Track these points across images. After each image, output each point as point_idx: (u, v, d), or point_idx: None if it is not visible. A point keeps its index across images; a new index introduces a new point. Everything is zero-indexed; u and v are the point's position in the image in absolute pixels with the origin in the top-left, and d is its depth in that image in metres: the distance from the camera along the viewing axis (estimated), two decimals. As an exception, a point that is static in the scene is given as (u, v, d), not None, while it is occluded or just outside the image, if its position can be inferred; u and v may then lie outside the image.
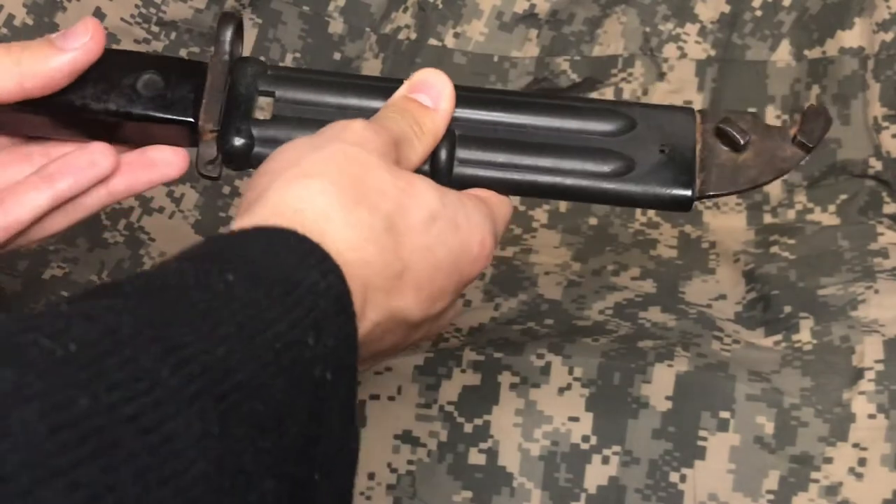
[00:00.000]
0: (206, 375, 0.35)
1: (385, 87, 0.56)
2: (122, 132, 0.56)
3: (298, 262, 0.41)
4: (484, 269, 0.53)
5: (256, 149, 0.55)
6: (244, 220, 0.44)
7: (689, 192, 0.55)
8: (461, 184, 0.53)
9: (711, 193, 0.56)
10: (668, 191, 0.55)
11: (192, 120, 0.55)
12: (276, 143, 0.52)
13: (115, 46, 0.88)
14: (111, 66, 0.55)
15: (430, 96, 0.54)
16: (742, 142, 0.55)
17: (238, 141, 0.55)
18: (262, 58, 0.90)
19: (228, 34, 0.55)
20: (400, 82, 0.55)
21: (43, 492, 0.30)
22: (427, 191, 0.49)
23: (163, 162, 0.56)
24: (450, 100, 0.54)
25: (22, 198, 0.53)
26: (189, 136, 0.56)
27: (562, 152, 0.56)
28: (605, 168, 0.55)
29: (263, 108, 0.56)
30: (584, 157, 0.56)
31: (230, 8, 0.90)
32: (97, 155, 0.54)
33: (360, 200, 0.46)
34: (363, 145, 0.48)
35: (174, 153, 0.56)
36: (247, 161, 0.55)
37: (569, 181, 0.56)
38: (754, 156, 0.56)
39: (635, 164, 0.55)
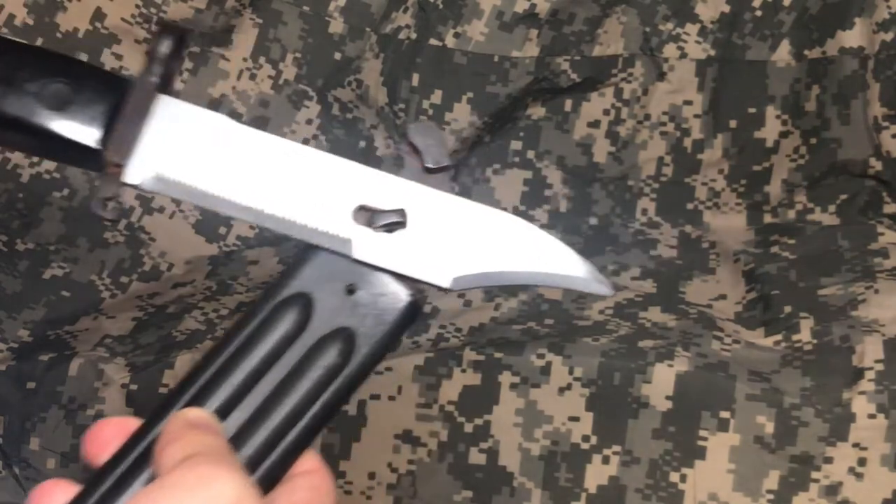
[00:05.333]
0: None
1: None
2: (17, 139, 0.48)
3: None
4: None
5: None
6: None
7: (411, 294, 0.49)
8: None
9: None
10: (395, 305, 0.49)
11: (98, 147, 0.46)
12: None
13: (115, 46, 0.88)
14: (16, 63, 0.47)
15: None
16: (395, 222, 0.49)
17: None
18: (263, 58, 0.91)
19: (164, 49, 0.47)
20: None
21: None
22: None
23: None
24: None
25: None
26: (93, 162, 0.47)
27: (290, 380, 0.48)
28: (333, 357, 0.48)
29: None
30: (310, 362, 0.48)
31: (230, 8, 0.90)
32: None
33: None
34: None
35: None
36: None
37: (326, 396, 0.48)
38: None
39: (350, 327, 0.48)
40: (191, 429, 0.45)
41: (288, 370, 0.48)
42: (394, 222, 0.49)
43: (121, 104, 0.47)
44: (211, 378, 0.48)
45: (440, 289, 0.49)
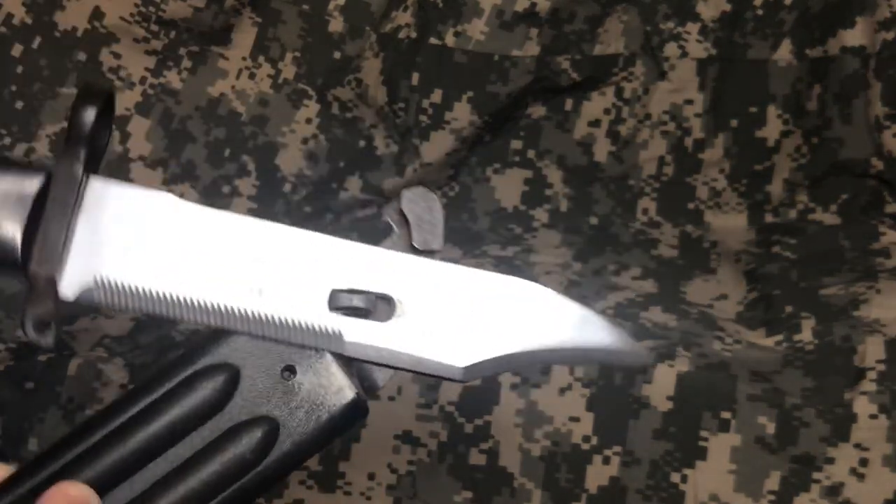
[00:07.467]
0: None
1: None
2: None
3: None
4: None
5: None
6: None
7: (357, 392, 0.43)
8: None
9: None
10: (336, 402, 0.42)
11: (17, 259, 0.37)
12: None
13: (114, 45, 0.88)
14: None
15: None
16: (363, 306, 0.41)
17: None
18: (262, 57, 0.90)
19: (88, 119, 0.35)
20: None
21: None
22: None
23: None
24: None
25: None
26: (15, 274, 0.39)
27: (191, 466, 0.41)
28: (247, 449, 0.40)
29: None
30: (218, 449, 0.41)
31: (229, 7, 0.89)
32: None
33: None
34: None
35: None
36: None
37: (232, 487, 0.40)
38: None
39: (275, 418, 0.41)
40: None
41: (191, 453, 0.41)
42: (377, 303, 0.41)
43: (41, 200, 0.36)
44: (101, 441, 0.41)
45: (451, 380, 0.40)
